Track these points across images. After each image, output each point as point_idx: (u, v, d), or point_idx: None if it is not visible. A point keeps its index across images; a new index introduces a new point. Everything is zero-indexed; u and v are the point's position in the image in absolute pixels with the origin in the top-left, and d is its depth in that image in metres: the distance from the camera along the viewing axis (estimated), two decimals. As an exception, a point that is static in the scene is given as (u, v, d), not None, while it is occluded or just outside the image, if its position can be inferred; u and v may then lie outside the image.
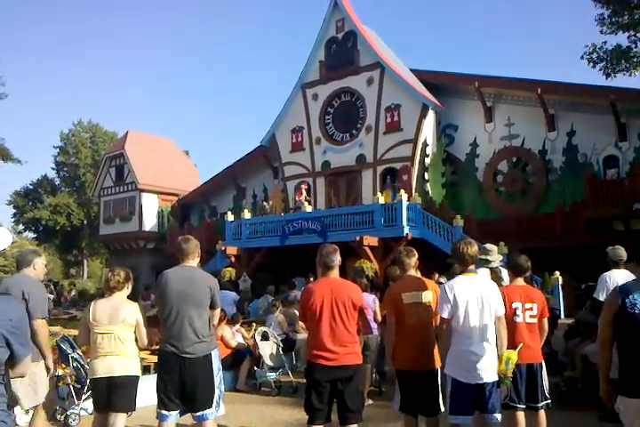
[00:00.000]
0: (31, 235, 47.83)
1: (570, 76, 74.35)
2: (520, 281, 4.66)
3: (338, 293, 4.15)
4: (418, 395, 4.27)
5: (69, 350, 6.19)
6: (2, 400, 2.17)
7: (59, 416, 6.08)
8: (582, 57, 12.60)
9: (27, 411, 5.96)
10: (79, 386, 6.07)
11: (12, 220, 45.99)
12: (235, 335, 8.55)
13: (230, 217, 19.48)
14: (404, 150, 18.56)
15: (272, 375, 7.86)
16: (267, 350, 8.09)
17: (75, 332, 7.30)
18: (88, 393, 5.68)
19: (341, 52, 20.48)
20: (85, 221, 43.41)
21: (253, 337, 8.42)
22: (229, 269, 17.64)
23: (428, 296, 4.36)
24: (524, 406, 4.35)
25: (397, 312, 4.38)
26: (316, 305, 4.13)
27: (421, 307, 4.33)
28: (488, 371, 3.92)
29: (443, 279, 5.83)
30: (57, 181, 47.28)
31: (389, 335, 4.44)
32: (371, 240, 15.10)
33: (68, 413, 5.96)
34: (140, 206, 26.44)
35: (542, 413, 4.43)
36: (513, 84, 17.87)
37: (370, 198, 17.79)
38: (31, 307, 4.16)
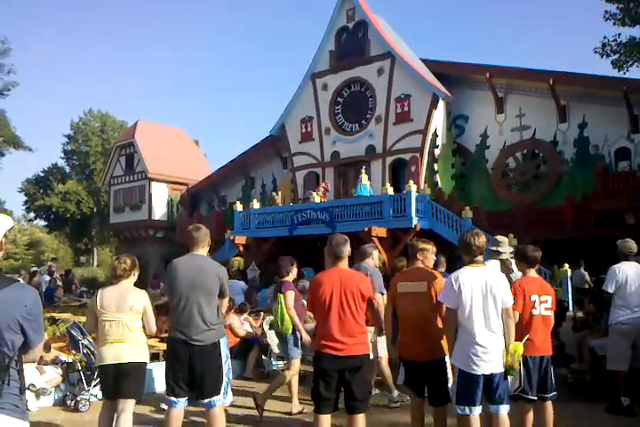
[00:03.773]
0: (42, 222, 48.22)
1: (582, 67, 73.50)
2: (534, 273, 4.66)
3: (347, 283, 4.16)
4: (425, 384, 4.31)
5: (80, 337, 6.25)
6: (14, 385, 2.20)
7: (69, 402, 6.16)
8: (595, 50, 12.46)
9: (37, 396, 6.07)
10: (89, 372, 6.15)
11: (24, 207, 46.33)
12: (243, 324, 8.60)
13: (239, 207, 19.47)
14: (414, 141, 18.45)
15: (279, 364, 7.91)
16: (274, 339, 8.12)
17: (85, 319, 7.37)
18: (98, 379, 5.74)
19: (352, 42, 20.32)
20: (95, 210, 43.61)
21: (261, 326, 8.47)
22: (238, 258, 17.67)
23: (421, 287, 4.35)
24: (535, 398, 4.37)
25: (394, 301, 4.52)
26: (325, 295, 4.14)
27: (414, 297, 4.34)
28: (494, 362, 3.92)
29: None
30: (67, 169, 47.48)
31: (386, 320, 4.56)
32: (379, 231, 15.07)
33: (78, 399, 6.04)
34: (150, 195, 26.49)
35: (549, 404, 4.45)
36: (525, 74, 17.68)
37: (379, 189, 17.73)
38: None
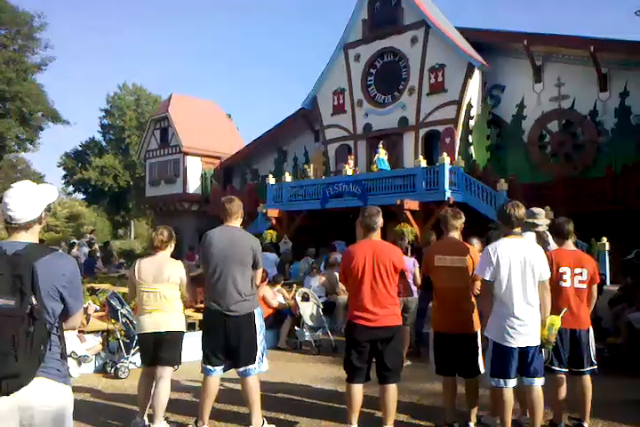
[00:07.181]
0: (81, 196, 49.35)
1: (624, 34, 70.43)
2: (570, 245, 4.55)
3: (379, 255, 4.16)
4: (455, 357, 4.30)
5: (119, 306, 6.44)
6: (56, 351, 2.27)
7: (109, 369, 6.38)
8: (636, 13, 11.93)
9: (79, 363, 6.30)
10: (128, 341, 6.33)
11: (63, 181, 47.39)
12: (276, 296, 8.72)
13: (272, 180, 19.55)
14: (448, 112, 18.09)
15: (312, 335, 8.02)
16: (307, 310, 8.23)
17: (124, 289, 7.58)
18: (137, 347, 5.91)
19: (385, 11, 19.84)
20: (132, 183, 44.34)
21: (294, 298, 8.58)
22: (271, 231, 17.83)
23: (461, 261, 4.32)
24: (565, 371, 4.32)
25: (429, 273, 4.50)
26: (358, 267, 4.15)
27: (451, 271, 4.31)
28: (530, 335, 3.89)
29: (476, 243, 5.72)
30: (104, 144, 48.25)
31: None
32: (411, 204, 14.97)
33: (118, 366, 6.25)
34: (185, 169, 26.77)
35: (587, 378, 4.38)
36: (564, 41, 17.00)
37: (411, 162, 17.53)
38: None
